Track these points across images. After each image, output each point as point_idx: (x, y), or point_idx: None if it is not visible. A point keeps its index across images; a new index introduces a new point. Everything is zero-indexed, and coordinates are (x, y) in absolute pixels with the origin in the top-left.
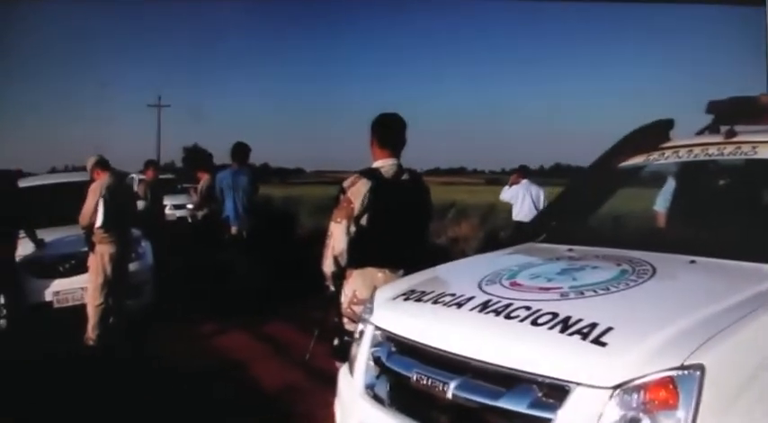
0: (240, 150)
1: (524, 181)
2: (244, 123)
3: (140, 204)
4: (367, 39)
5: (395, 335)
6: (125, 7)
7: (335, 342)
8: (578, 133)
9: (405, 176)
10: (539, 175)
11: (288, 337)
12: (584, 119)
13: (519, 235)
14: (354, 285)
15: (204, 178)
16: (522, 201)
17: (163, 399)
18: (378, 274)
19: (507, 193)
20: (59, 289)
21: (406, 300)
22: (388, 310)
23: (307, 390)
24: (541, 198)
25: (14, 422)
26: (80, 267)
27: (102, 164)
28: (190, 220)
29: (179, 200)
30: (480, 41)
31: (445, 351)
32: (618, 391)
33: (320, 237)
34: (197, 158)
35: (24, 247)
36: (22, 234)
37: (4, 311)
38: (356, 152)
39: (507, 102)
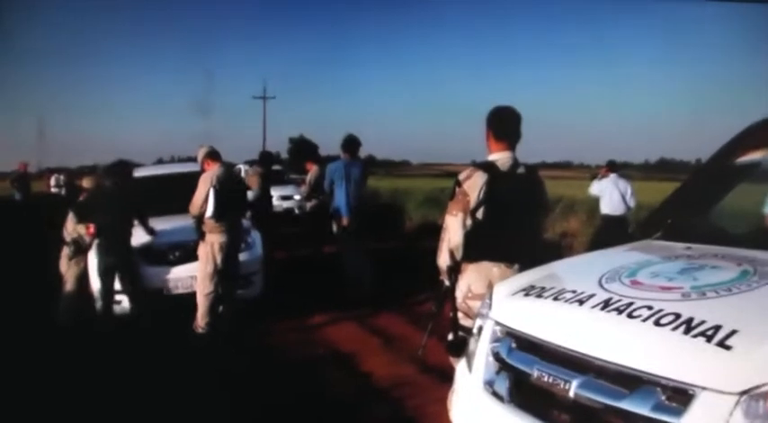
0: (351, 142)
1: (612, 175)
2: (349, 115)
3: (249, 195)
4: (479, 34)
5: (515, 331)
6: None
7: (450, 337)
8: (685, 128)
9: (520, 170)
10: (643, 170)
11: (399, 330)
12: (691, 114)
13: (608, 228)
14: (469, 280)
15: (313, 169)
16: (611, 194)
17: (271, 389)
18: (493, 268)
19: (596, 187)
20: (170, 277)
21: (526, 296)
22: (508, 305)
23: (418, 384)
24: (629, 192)
25: (125, 406)
26: (190, 256)
27: (213, 155)
28: (297, 211)
29: (286, 191)
30: (591, 39)
31: (567, 348)
32: (744, 397)
33: (428, 229)
34: (304, 150)
35: (137, 236)
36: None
37: (124, 298)
38: (462, 145)
39: (614, 96)
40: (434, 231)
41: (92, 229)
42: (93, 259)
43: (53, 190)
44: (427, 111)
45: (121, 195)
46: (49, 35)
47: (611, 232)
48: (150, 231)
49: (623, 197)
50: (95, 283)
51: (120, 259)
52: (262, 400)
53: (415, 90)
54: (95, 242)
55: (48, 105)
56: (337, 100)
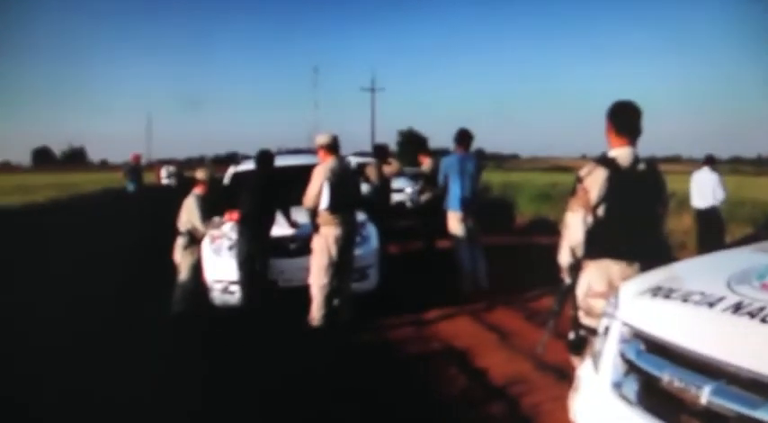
0: (465, 136)
1: (705, 168)
2: (456, 107)
3: (365, 188)
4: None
5: (644, 332)
6: None
7: (571, 335)
8: None
9: (641, 166)
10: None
11: (514, 326)
12: None
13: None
14: (590, 277)
15: (426, 162)
16: (699, 187)
17: (385, 383)
18: (613, 266)
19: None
20: (285, 268)
21: (653, 296)
22: (636, 305)
23: (534, 382)
24: (716, 184)
25: (238, 399)
26: (305, 248)
27: (330, 146)
28: (409, 204)
29: (398, 184)
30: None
31: (698, 352)
32: None
33: (539, 224)
34: (414, 142)
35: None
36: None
37: (238, 288)
38: (572, 139)
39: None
40: (546, 227)
41: (235, 215)
42: (213, 247)
43: (164, 181)
44: (538, 103)
45: (266, 184)
46: (156, 33)
47: (702, 224)
48: (293, 223)
49: (714, 191)
50: (209, 273)
51: (260, 249)
52: (376, 394)
53: (526, 82)
54: (237, 230)
55: (157, 100)
56: (445, 92)
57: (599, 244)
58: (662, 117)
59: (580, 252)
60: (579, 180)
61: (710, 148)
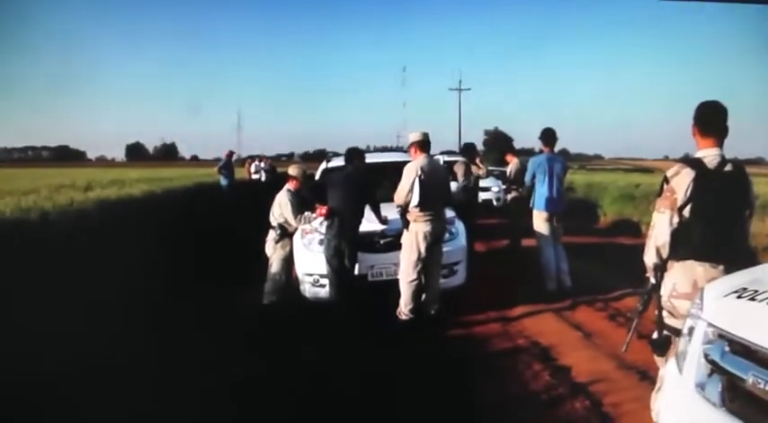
0: (551, 135)
1: None
2: (542, 108)
3: (453, 186)
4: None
5: (728, 333)
6: None
7: (655, 335)
8: None
9: (728, 167)
10: None
11: (597, 326)
12: None
13: None
14: (674, 278)
15: (513, 161)
16: None
17: (470, 377)
18: (698, 267)
19: None
20: (374, 263)
21: (738, 298)
22: (721, 307)
23: (617, 381)
24: None
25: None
26: (395, 244)
27: (422, 144)
28: (495, 202)
29: (485, 182)
30: None
31: None
32: None
33: (622, 225)
34: (500, 142)
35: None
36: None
37: (327, 282)
38: (655, 140)
39: None
40: (628, 227)
41: (325, 211)
42: (303, 241)
43: (253, 176)
44: (622, 104)
45: (355, 181)
46: (248, 33)
47: None
48: (383, 219)
49: None
50: (300, 266)
51: (349, 243)
52: (461, 388)
53: (610, 83)
54: (326, 224)
55: (247, 98)
56: (530, 92)
57: (685, 245)
58: (746, 118)
59: (666, 252)
60: (666, 181)
61: None
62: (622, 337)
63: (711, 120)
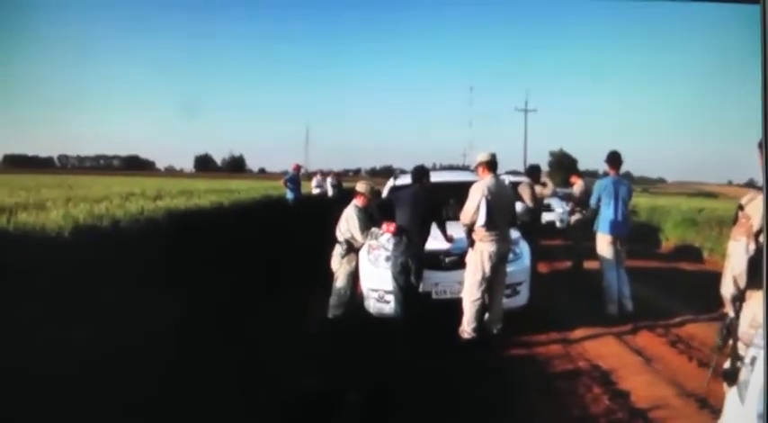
0: (617, 158)
1: None
2: (606, 130)
3: (520, 206)
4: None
5: None
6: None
7: (727, 365)
8: None
9: None
10: None
11: (658, 351)
12: None
13: None
14: (754, 308)
15: (578, 183)
16: None
17: (529, 398)
18: None
19: None
20: (439, 281)
21: None
22: None
23: (676, 408)
24: None
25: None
26: (460, 263)
27: (489, 164)
28: (559, 224)
29: (547, 203)
30: None
31: None
32: None
33: (684, 250)
34: (564, 163)
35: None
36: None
37: (392, 298)
38: (719, 164)
39: None
40: (690, 253)
41: (393, 228)
42: (370, 257)
43: (314, 190)
44: (685, 127)
45: (422, 199)
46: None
47: None
48: (449, 238)
49: None
50: (365, 282)
51: (415, 261)
52: (521, 409)
53: (671, 106)
54: (394, 241)
55: (316, 112)
56: (595, 115)
57: (763, 273)
58: None
59: (743, 282)
60: (741, 208)
61: None
62: (683, 363)
63: None
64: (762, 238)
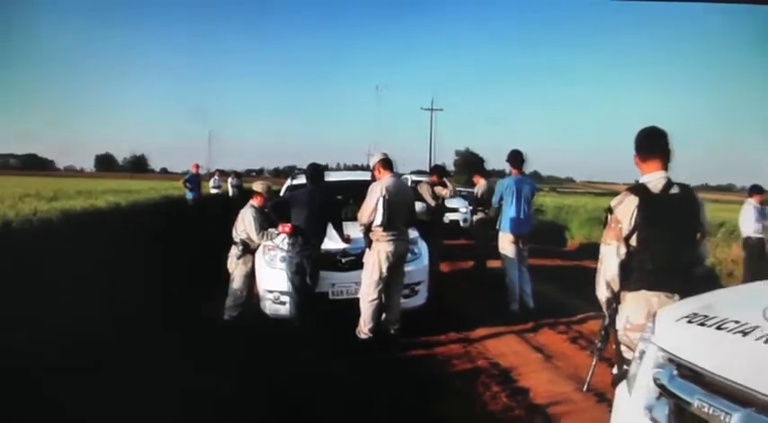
0: (519, 158)
1: (751, 199)
2: (516, 130)
3: (419, 206)
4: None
5: (677, 358)
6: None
7: (614, 371)
8: None
9: (674, 190)
10: None
11: (559, 348)
12: None
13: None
14: (628, 310)
15: (480, 183)
16: (748, 218)
17: (428, 397)
18: (652, 298)
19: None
20: (336, 281)
21: (689, 323)
22: (671, 331)
23: (576, 403)
24: (760, 217)
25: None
26: (357, 263)
27: (386, 163)
28: (463, 223)
29: (452, 203)
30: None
31: (729, 380)
32: None
33: (590, 249)
34: (471, 163)
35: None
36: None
37: (288, 299)
38: (627, 164)
39: None
40: (595, 251)
41: (288, 228)
42: (266, 258)
43: (212, 191)
44: (595, 127)
45: (317, 199)
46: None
47: (747, 253)
48: (346, 238)
49: (754, 220)
50: (262, 283)
51: (311, 261)
52: (418, 409)
53: (584, 107)
54: (289, 242)
55: (219, 111)
56: (505, 114)
57: (635, 275)
58: (716, 146)
59: (616, 285)
60: (610, 211)
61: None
62: (583, 359)
63: (651, 144)
64: (633, 241)
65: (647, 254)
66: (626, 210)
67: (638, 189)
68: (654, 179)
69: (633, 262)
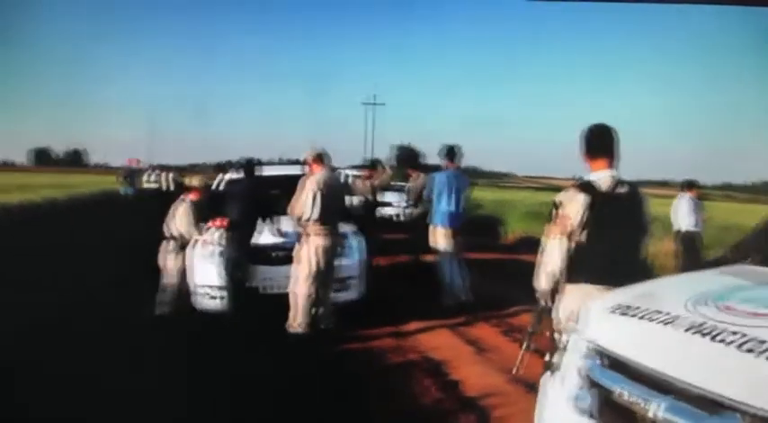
0: (453, 152)
1: (686, 194)
2: (456, 125)
3: (356, 200)
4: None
5: (602, 348)
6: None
7: (547, 357)
8: None
9: (621, 189)
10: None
11: (492, 341)
12: None
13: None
14: (571, 302)
15: (413, 176)
16: (684, 212)
17: (360, 393)
18: (594, 291)
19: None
20: (268, 276)
21: (614, 314)
22: (597, 322)
23: (506, 394)
24: (694, 212)
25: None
26: (289, 257)
27: (320, 157)
28: (396, 218)
29: (388, 198)
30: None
31: (651, 369)
32: None
33: (527, 242)
34: (407, 157)
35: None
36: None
37: (224, 294)
38: (567, 159)
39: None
40: (533, 245)
41: (220, 222)
42: (201, 253)
43: (145, 185)
44: (535, 123)
45: (250, 193)
46: (160, 37)
47: (681, 247)
48: (279, 232)
49: (693, 215)
50: (194, 277)
51: (242, 256)
52: (351, 402)
53: (524, 102)
54: (221, 236)
55: (162, 105)
56: (445, 109)
57: (579, 268)
58: (654, 141)
59: (560, 278)
60: (556, 206)
61: (702, 173)
62: (516, 351)
63: (599, 142)
64: (580, 237)
65: (591, 249)
66: (574, 206)
67: (587, 187)
68: (602, 177)
69: (578, 256)
